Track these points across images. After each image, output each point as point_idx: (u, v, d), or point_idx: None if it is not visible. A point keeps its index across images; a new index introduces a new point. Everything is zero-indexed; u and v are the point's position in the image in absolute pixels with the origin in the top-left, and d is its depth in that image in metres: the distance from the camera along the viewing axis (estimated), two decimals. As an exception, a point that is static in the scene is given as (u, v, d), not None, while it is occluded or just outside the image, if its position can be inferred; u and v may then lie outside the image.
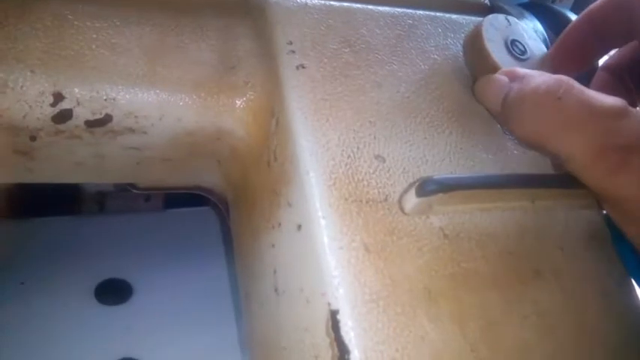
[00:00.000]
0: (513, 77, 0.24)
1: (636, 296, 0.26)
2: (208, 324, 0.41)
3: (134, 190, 0.31)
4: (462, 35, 0.30)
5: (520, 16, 0.33)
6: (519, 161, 0.27)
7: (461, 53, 0.29)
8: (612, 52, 0.29)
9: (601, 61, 0.30)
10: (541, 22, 0.34)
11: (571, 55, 0.28)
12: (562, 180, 0.25)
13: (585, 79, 0.30)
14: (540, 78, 0.23)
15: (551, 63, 0.28)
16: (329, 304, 0.20)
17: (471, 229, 0.24)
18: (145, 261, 0.44)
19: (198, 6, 0.27)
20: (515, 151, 0.27)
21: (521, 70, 0.24)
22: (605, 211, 0.27)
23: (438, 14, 0.30)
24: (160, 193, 0.48)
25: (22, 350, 0.37)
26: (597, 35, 0.27)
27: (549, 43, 0.32)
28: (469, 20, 0.31)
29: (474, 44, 0.28)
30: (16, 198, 0.43)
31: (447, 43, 0.29)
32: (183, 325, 0.40)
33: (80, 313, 0.39)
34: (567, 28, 0.28)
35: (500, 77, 0.24)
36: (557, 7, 0.36)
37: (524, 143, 0.25)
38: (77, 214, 0.46)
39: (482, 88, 0.25)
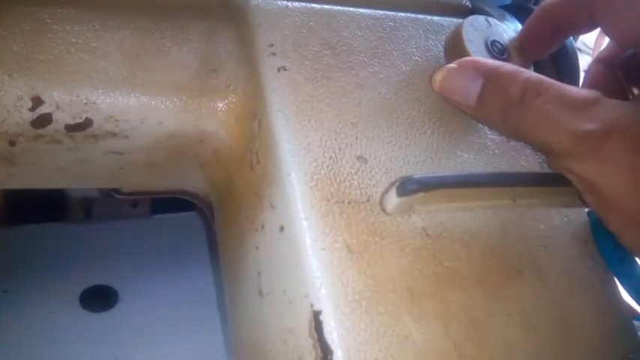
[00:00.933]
0: (481, 69, 0.24)
1: (618, 292, 0.27)
2: (194, 330, 0.40)
3: (118, 196, 0.31)
4: (443, 37, 0.30)
5: (501, 18, 0.34)
6: (501, 161, 0.27)
7: (442, 55, 0.29)
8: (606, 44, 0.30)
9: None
10: (523, 24, 0.34)
11: (534, 44, 0.29)
12: (543, 178, 0.25)
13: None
14: (521, 76, 0.23)
15: (522, 53, 0.29)
16: (312, 305, 0.20)
17: (453, 228, 0.24)
18: (131, 267, 0.43)
19: (179, 9, 0.27)
20: (496, 151, 0.27)
21: (487, 62, 0.24)
22: (587, 209, 0.28)
23: (419, 16, 0.30)
24: (146, 198, 0.48)
25: (6, 358, 0.36)
26: (555, 27, 0.28)
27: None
28: (450, 22, 0.31)
29: (455, 45, 0.28)
30: (0, 205, 0.43)
31: (428, 45, 0.29)
32: (170, 332, 0.40)
33: (65, 321, 0.39)
34: (527, 21, 0.29)
35: (465, 71, 0.24)
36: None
37: (507, 137, 0.25)
38: (63, 220, 0.46)
39: (449, 82, 0.24)
